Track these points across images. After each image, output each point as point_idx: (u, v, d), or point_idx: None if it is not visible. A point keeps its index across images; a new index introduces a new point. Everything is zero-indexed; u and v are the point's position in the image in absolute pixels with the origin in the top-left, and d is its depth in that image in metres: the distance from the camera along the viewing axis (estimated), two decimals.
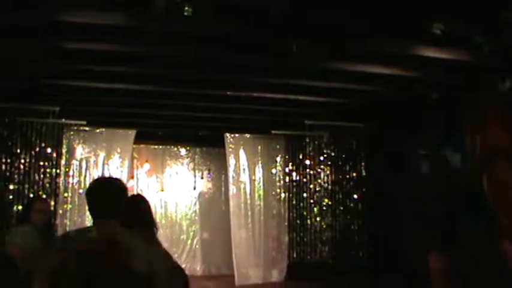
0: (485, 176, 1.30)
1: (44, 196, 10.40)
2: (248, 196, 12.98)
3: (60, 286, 3.42)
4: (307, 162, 12.76)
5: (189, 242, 14.42)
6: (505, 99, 1.24)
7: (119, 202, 3.85)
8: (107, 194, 3.85)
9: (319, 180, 12.76)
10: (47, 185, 10.81)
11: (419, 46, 6.98)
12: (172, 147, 14.54)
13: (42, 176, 10.76)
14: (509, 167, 1.24)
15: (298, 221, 12.77)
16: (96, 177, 11.67)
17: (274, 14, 6.07)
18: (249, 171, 13.05)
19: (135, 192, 12.08)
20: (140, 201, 5.24)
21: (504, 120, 1.24)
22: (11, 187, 10.39)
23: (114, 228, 3.68)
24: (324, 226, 12.64)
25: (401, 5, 5.95)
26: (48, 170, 10.85)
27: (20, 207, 9.82)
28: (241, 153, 12.99)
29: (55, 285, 3.43)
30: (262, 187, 13.10)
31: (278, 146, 13.15)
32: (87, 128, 11.79)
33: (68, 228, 10.77)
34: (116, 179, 4.32)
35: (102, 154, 12.12)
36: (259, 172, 13.12)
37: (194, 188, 14.58)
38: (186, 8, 5.38)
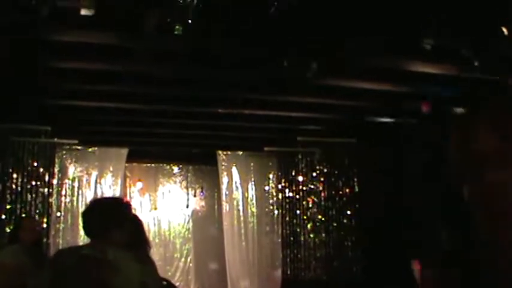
0: (471, 185, 1.29)
1: (37, 216, 10.39)
2: (241, 213, 12.97)
3: None
4: (300, 178, 12.76)
5: (183, 260, 14.35)
6: (496, 108, 1.24)
7: (113, 221, 3.86)
8: (99, 214, 3.88)
9: (312, 197, 12.76)
10: (39, 204, 10.78)
11: (409, 61, 7.02)
12: (164, 165, 14.51)
13: (34, 195, 10.73)
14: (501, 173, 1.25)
15: (291, 238, 12.76)
16: (88, 196, 11.70)
17: (267, 31, 6.09)
18: (242, 188, 13.05)
19: None
20: (133, 220, 5.23)
21: (495, 129, 1.25)
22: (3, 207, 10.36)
23: (107, 247, 3.68)
24: (318, 242, 12.63)
25: (392, 21, 5.99)
26: (40, 190, 10.83)
27: (11, 227, 9.80)
28: (234, 170, 12.99)
29: None
30: (255, 204, 13.09)
31: (270, 163, 13.16)
32: (79, 147, 11.78)
33: (60, 248, 10.72)
34: (114, 198, 4.36)
35: (94, 173, 12.11)
36: (252, 189, 13.12)
37: (187, 206, 14.53)
38: (177, 27, 5.41)
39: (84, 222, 3.86)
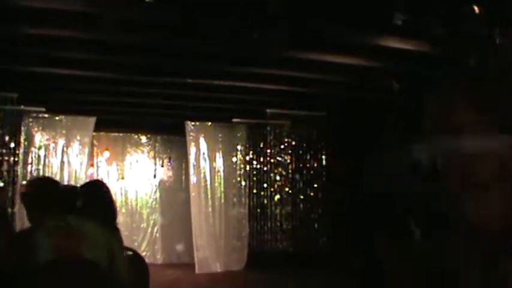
0: (446, 157, 1.30)
1: (2, 184, 10.29)
2: (208, 184, 12.98)
3: (24, 279, 3.43)
4: (268, 150, 12.81)
5: (149, 230, 14.34)
6: (470, 80, 1.26)
7: (61, 195, 3.95)
8: (50, 188, 3.96)
9: (279, 169, 12.82)
10: (5, 173, 10.68)
11: (380, 36, 7.03)
12: (132, 134, 14.41)
13: None
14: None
15: (258, 210, 12.84)
16: (55, 165, 11.62)
17: (236, 2, 6.06)
18: (210, 159, 13.05)
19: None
20: (101, 188, 5.22)
21: (470, 100, 1.27)
22: None
23: (68, 217, 3.73)
24: (285, 214, 12.72)
25: None
26: (6, 158, 10.71)
27: None
28: (202, 141, 12.97)
29: (18, 279, 3.44)
30: (222, 175, 13.11)
31: (239, 135, 13.16)
32: (46, 115, 11.63)
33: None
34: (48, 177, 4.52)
35: (61, 141, 11.99)
36: (219, 160, 13.13)
37: (154, 176, 14.51)
38: None
39: (38, 200, 3.92)
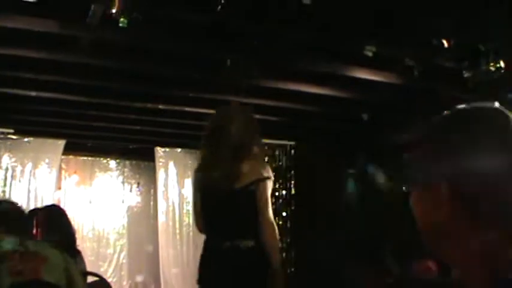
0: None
1: None
2: (177, 211, 12.94)
3: None
4: None
5: (116, 256, 14.22)
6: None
7: (20, 217, 4.01)
8: (9, 212, 4.02)
9: None
10: None
11: (351, 67, 7.12)
12: (101, 159, 14.35)
13: None
14: None
15: None
16: (22, 187, 11.50)
17: (209, 29, 6.11)
18: (179, 186, 13.02)
19: (61, 204, 11.79)
20: (57, 212, 5.22)
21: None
22: None
23: (23, 240, 3.74)
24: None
25: (334, 26, 6.07)
26: None
27: None
28: (171, 167, 12.95)
29: None
30: (191, 203, 13.06)
31: None
32: (14, 137, 11.52)
33: None
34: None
35: (29, 164, 11.89)
36: (188, 187, 13.09)
37: (123, 202, 14.42)
38: (122, 20, 5.36)
39: None
